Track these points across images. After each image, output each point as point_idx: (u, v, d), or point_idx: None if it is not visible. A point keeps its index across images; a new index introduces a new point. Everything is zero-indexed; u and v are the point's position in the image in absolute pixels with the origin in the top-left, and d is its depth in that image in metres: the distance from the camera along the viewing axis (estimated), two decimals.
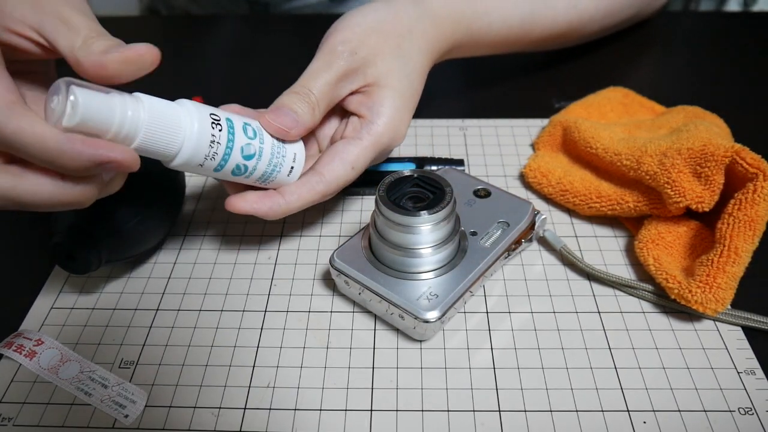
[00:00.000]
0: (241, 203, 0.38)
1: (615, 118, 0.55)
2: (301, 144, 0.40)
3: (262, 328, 0.39)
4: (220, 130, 0.35)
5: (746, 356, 0.36)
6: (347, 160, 0.39)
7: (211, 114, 0.35)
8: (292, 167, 0.39)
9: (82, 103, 0.28)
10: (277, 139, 0.38)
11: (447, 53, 0.48)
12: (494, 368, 0.36)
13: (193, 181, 0.50)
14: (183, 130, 0.33)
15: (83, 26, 0.30)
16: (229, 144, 0.35)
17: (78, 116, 0.28)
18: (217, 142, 0.34)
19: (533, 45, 0.58)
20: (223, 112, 0.36)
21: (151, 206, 0.40)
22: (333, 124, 0.44)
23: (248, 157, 0.36)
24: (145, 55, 0.30)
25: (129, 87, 0.31)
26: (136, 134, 0.31)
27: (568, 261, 0.42)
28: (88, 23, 0.31)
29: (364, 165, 0.40)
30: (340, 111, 0.43)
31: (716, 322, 0.38)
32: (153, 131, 0.31)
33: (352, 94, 0.41)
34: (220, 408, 0.34)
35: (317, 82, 0.39)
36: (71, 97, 0.28)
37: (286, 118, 0.38)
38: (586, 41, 0.65)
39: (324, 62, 0.40)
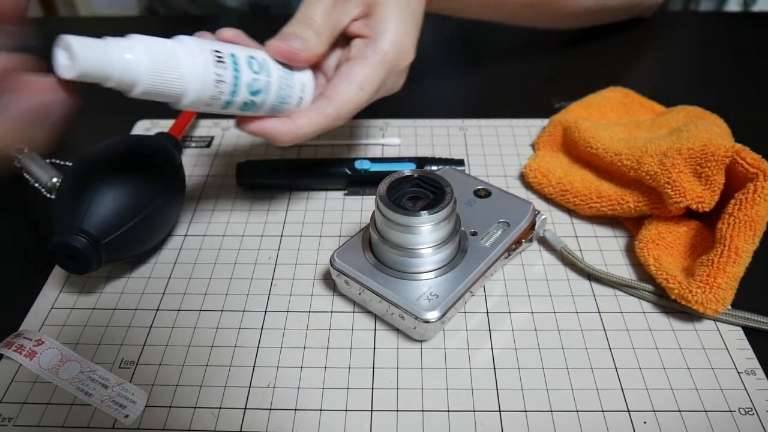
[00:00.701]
0: (251, 124, 0.37)
1: (615, 118, 0.55)
2: (309, 73, 0.40)
3: (262, 328, 0.39)
4: (224, 69, 0.34)
5: (746, 356, 0.36)
6: (354, 80, 0.39)
7: (214, 51, 0.34)
8: (300, 98, 0.39)
9: (81, 53, 0.29)
10: (284, 67, 0.38)
11: None
12: (494, 368, 0.36)
13: (193, 182, 0.50)
14: (185, 70, 0.32)
15: None
16: (235, 82, 0.35)
17: (78, 67, 0.29)
18: (222, 81, 0.34)
19: (521, 8, 0.57)
20: (226, 47, 0.35)
21: (152, 207, 0.40)
22: (337, 54, 0.43)
23: (255, 93, 0.36)
24: None
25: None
26: (138, 79, 0.31)
27: (569, 261, 0.42)
28: None
29: (373, 85, 0.39)
30: (343, 42, 0.42)
31: (716, 322, 0.38)
32: (155, 74, 0.31)
33: (353, 21, 0.41)
34: (220, 408, 0.34)
35: (317, 9, 0.39)
36: (71, 49, 0.29)
37: (294, 41, 0.37)
38: (579, 22, 0.65)
39: None
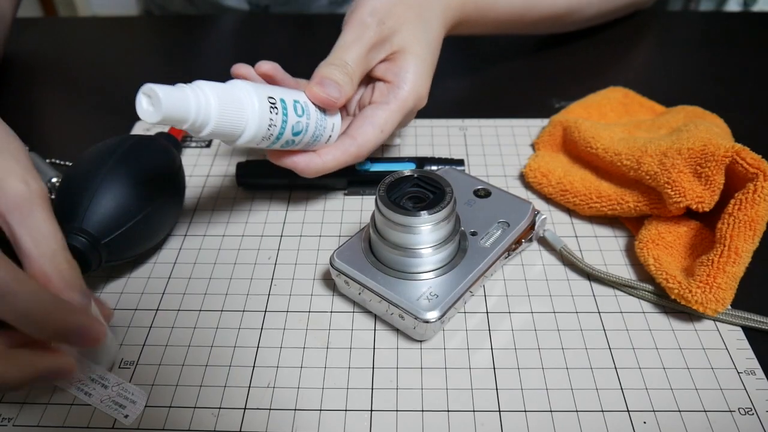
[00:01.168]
0: (284, 158, 0.41)
1: (615, 118, 0.55)
2: (338, 114, 0.43)
3: (262, 328, 0.39)
4: (276, 114, 0.37)
5: (746, 356, 0.36)
6: (377, 123, 0.42)
7: (268, 98, 0.37)
8: (330, 136, 0.42)
9: (164, 100, 0.31)
10: (320, 111, 0.41)
11: (457, 25, 0.51)
12: (494, 368, 0.36)
13: (193, 182, 0.50)
14: (246, 113, 0.35)
15: (52, 236, 0.33)
16: (283, 125, 0.38)
17: (162, 112, 0.31)
18: (274, 125, 0.37)
19: (534, 25, 0.60)
20: (277, 92, 0.38)
21: (151, 207, 0.40)
22: (359, 91, 0.46)
23: (297, 134, 0.39)
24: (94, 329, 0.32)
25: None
26: (209, 121, 0.33)
27: (568, 261, 0.42)
28: (57, 233, 0.33)
29: (392, 127, 0.43)
30: (365, 78, 0.45)
31: (716, 322, 0.38)
32: (222, 117, 0.34)
33: (378, 63, 0.44)
34: (220, 408, 0.34)
35: (351, 54, 0.42)
36: (157, 95, 0.30)
37: (331, 89, 0.40)
38: (585, 26, 0.66)
39: (355, 34, 0.42)
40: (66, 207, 0.38)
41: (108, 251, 0.38)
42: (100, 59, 0.69)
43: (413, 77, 0.43)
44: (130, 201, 0.39)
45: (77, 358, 0.35)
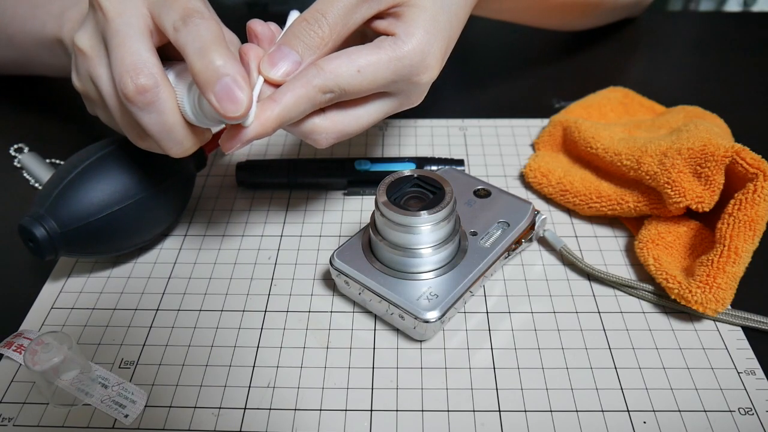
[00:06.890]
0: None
1: (615, 118, 0.55)
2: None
3: (262, 328, 0.39)
4: None
5: (746, 356, 0.36)
6: (355, 60, 0.34)
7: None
8: None
9: None
10: None
11: None
12: (494, 368, 0.36)
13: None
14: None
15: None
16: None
17: None
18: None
19: (552, 12, 0.59)
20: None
21: (121, 205, 0.39)
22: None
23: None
24: None
25: None
26: None
27: (568, 261, 0.42)
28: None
29: (374, 76, 0.34)
30: (361, 37, 0.38)
31: (716, 322, 0.38)
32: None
33: (378, 17, 0.36)
34: (220, 408, 0.34)
35: (335, 5, 0.34)
36: None
37: (285, 60, 0.34)
38: (601, 19, 0.66)
39: None
40: (41, 193, 0.39)
41: (67, 241, 0.38)
42: None
43: (421, 33, 0.34)
44: (100, 196, 0.38)
45: (80, 367, 0.35)
